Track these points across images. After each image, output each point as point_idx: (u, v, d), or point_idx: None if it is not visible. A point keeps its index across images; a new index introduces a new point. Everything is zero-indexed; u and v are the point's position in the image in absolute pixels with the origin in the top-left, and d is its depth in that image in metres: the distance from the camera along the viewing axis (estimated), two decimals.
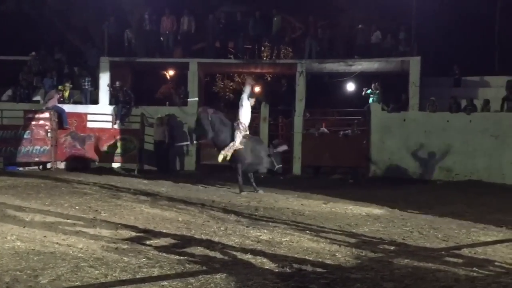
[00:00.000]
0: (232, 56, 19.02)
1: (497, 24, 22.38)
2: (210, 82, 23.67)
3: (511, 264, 5.95)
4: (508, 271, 5.67)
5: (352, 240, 7.09)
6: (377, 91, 18.05)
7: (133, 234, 7.14)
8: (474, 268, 5.63)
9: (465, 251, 6.61)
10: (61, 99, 16.70)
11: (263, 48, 20.08)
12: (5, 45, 18.62)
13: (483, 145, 16.06)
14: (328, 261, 5.92)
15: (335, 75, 20.21)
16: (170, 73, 20.21)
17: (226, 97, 25.36)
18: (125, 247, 6.35)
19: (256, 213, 9.07)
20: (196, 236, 7.10)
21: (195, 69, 17.77)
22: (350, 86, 21.33)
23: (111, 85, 17.21)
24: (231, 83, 25.73)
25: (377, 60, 18.06)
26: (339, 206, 10.24)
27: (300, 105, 17.52)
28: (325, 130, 17.96)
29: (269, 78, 23.29)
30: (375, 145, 16.96)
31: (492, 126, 16.06)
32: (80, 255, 5.91)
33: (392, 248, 6.74)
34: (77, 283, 4.96)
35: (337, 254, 6.28)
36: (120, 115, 16.81)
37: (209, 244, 6.61)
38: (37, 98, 17.24)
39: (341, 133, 17.77)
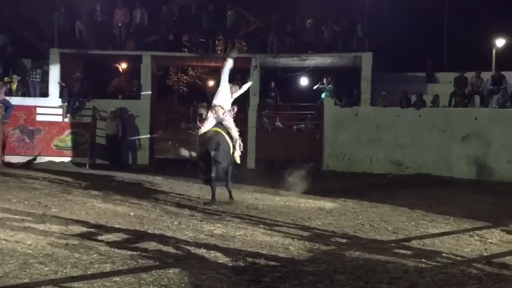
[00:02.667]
0: (186, 49, 18.87)
1: (445, 21, 23.01)
2: (163, 75, 23.45)
3: (458, 255, 6.15)
4: (454, 261, 5.85)
5: (305, 234, 7.18)
6: (330, 86, 18.26)
7: (84, 229, 7.02)
8: (423, 260, 5.79)
9: (414, 243, 6.79)
10: (7, 92, 16.19)
11: (217, 42, 20.01)
12: None
13: (432, 140, 16.47)
14: (282, 255, 5.97)
15: (289, 69, 20.34)
16: (123, 66, 19.92)
17: (180, 90, 25.19)
18: (76, 243, 6.23)
19: (210, 207, 9.06)
20: (149, 231, 7.04)
21: (148, 62, 17.56)
22: (304, 81, 21.52)
23: (64, 79, 16.76)
24: (185, 77, 25.57)
25: (330, 55, 18.27)
26: (293, 200, 10.34)
27: (254, 99, 17.57)
28: (279, 124, 18.06)
29: None
30: (328, 139, 17.18)
31: (440, 121, 16.49)
32: (29, 251, 5.77)
33: (344, 240, 6.85)
34: (26, 280, 4.84)
35: (290, 247, 6.34)
36: (72, 108, 16.45)
37: (162, 239, 6.57)
38: None
39: (295, 127, 17.91)
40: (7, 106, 15.47)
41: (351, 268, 5.43)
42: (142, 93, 17.32)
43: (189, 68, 24.59)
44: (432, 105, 17.10)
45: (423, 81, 18.80)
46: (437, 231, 7.72)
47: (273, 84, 19.03)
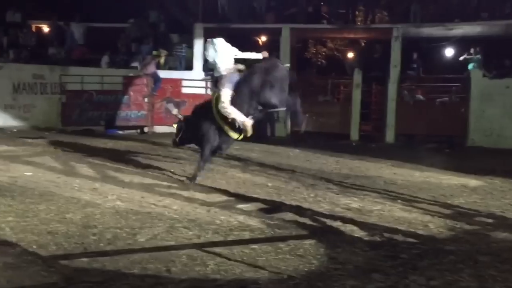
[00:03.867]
0: (325, 21, 18.67)
1: None
2: (302, 48, 23.43)
3: None
4: None
5: (446, 211, 6.87)
6: (478, 56, 17.11)
7: (225, 198, 7.31)
8: None
9: None
10: (157, 65, 17.18)
11: (357, 13, 19.55)
12: (103, 12, 19.34)
13: None
14: (420, 232, 5.78)
15: (433, 39, 19.33)
16: (263, 39, 20.20)
17: (318, 63, 25.05)
18: (217, 210, 6.52)
19: (347, 181, 8.98)
20: (286, 202, 7.15)
21: (288, 35, 17.63)
22: (449, 52, 20.35)
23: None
24: (324, 49, 25.36)
25: (479, 24, 17.06)
26: (434, 176, 9.91)
27: (395, 72, 16.98)
28: (421, 97, 17.34)
29: (363, 44, 22.73)
30: (474, 113, 16.17)
31: None
32: (175, 216, 6.14)
33: (489, 220, 6.45)
34: (172, 243, 5.17)
35: (430, 224, 6.11)
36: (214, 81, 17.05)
37: (298, 210, 6.65)
38: (135, 64, 17.82)
39: (438, 100, 17.08)
40: (156, 80, 16.43)
41: (497, 249, 5.11)
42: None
43: (328, 40, 24.33)
44: None
45: None
46: None
47: (415, 56, 18.23)
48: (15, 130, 15.60)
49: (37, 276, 4.25)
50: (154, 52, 16.63)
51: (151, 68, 16.35)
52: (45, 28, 19.86)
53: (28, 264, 4.49)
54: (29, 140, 12.74)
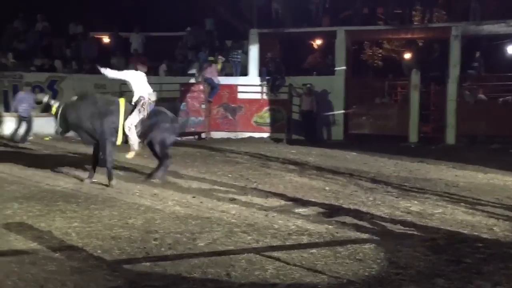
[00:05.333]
0: (381, 22, 18.42)
1: None
2: (358, 50, 23.19)
3: None
4: None
5: None
6: None
7: (282, 202, 7.32)
8: None
9: None
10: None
11: (414, 12, 19.18)
12: (161, 22, 19.79)
13: None
14: (485, 235, 5.61)
15: (495, 37, 18.71)
16: (317, 42, 20.14)
17: (375, 65, 24.73)
18: (275, 214, 6.54)
19: (407, 184, 8.82)
20: (344, 205, 7.10)
21: (343, 37, 17.49)
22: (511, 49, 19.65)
23: (261, 58, 17.51)
24: (380, 50, 25.01)
25: None
26: (498, 178, 9.59)
27: (454, 71, 16.55)
28: (483, 96, 16.81)
29: (420, 44, 22.27)
30: None
31: None
32: (233, 220, 6.20)
33: None
34: (231, 247, 5.22)
35: (495, 228, 5.92)
36: (272, 86, 17.12)
37: (357, 214, 6.58)
38: (192, 71, 18.11)
39: (501, 99, 16.51)
40: (213, 86, 16.62)
41: None
42: (336, 68, 17.36)
43: (384, 41, 23.98)
44: None
45: None
46: None
47: (477, 54, 17.69)
48: (78, 138, 16.08)
49: (102, 280, 4.38)
50: (210, 58, 16.82)
51: (209, 74, 16.54)
52: (106, 39, 20.48)
53: (93, 268, 4.64)
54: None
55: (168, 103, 16.38)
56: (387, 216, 6.49)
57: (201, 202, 7.22)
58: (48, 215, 6.44)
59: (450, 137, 16.17)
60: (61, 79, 17.28)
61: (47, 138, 14.67)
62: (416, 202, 7.35)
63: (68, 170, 9.64)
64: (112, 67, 17.97)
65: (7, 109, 16.59)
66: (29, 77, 17.00)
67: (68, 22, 19.54)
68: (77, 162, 10.56)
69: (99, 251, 5.10)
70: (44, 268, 4.61)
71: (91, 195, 7.65)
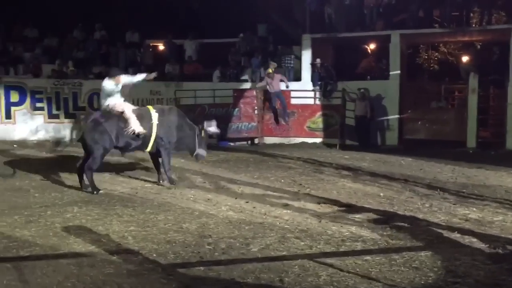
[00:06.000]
0: (437, 25, 18.04)
1: None
2: (412, 53, 22.78)
3: None
4: None
5: None
6: None
7: (336, 208, 7.27)
8: None
9: None
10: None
11: (471, 14, 18.69)
12: (214, 29, 20.04)
13: None
14: None
15: None
16: (371, 46, 19.91)
17: (431, 68, 24.25)
18: (328, 220, 6.49)
19: (464, 190, 8.59)
20: (399, 212, 6.98)
21: (397, 41, 17.22)
22: None
23: (312, 62, 17.45)
24: (436, 54, 24.51)
25: None
26: None
27: None
28: None
29: (478, 46, 21.67)
30: None
31: None
32: (286, 226, 6.20)
33: None
34: (284, 253, 5.21)
35: None
36: (324, 91, 17.03)
37: (413, 220, 6.46)
38: (245, 77, 18.24)
39: None
40: (281, 99, 16.47)
41: None
42: (390, 73, 17.11)
43: (440, 45, 23.47)
44: None
45: None
46: None
47: None
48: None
49: (157, 284, 4.46)
50: (269, 70, 16.63)
51: (276, 86, 16.41)
52: (161, 46, 20.91)
53: (149, 271, 4.73)
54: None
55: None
56: (444, 223, 6.33)
57: (254, 207, 7.25)
58: (105, 219, 6.62)
59: (510, 142, 15.64)
60: None
61: None
62: (474, 209, 7.14)
63: (126, 175, 9.87)
64: (166, 74, 18.52)
65: (68, 116, 17.19)
66: (88, 84, 17.52)
67: (125, 30, 20.05)
68: (133, 168, 10.80)
69: (154, 255, 5.19)
70: (102, 270, 4.74)
71: (147, 199, 7.81)
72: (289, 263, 4.88)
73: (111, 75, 8.99)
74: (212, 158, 12.36)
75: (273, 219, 6.57)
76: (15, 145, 14.96)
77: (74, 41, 19.32)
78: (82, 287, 4.41)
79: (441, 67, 23.84)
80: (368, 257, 5.02)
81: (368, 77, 17.80)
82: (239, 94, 17.03)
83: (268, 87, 16.36)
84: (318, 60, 17.20)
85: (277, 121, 16.70)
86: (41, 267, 4.82)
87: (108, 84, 8.89)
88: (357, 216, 6.75)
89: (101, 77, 18.28)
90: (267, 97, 16.74)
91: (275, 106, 16.59)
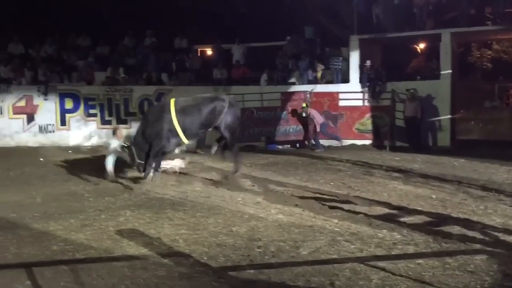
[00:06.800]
0: (489, 22, 17.56)
1: None
2: (464, 52, 22.25)
3: None
4: None
5: None
6: None
7: (386, 210, 7.17)
8: None
9: None
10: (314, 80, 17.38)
11: None
12: (261, 32, 20.10)
13: None
14: None
15: None
16: (421, 46, 19.56)
17: (483, 67, 23.63)
18: (379, 223, 6.41)
19: None
20: (452, 214, 6.83)
21: (448, 40, 16.86)
22: None
23: (362, 65, 17.28)
24: (489, 52, 23.87)
25: None
26: None
27: None
28: None
29: None
30: None
31: None
32: (336, 229, 6.15)
33: None
34: (334, 256, 5.18)
35: None
36: (373, 92, 16.84)
37: (467, 223, 6.31)
38: (292, 80, 18.22)
39: None
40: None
41: None
42: (441, 72, 16.75)
43: (494, 42, 22.84)
44: None
45: None
46: None
47: None
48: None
49: (208, 286, 4.51)
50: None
51: (319, 119, 16.27)
52: (209, 51, 21.14)
53: (200, 274, 4.78)
54: (198, 156, 13.55)
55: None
56: (500, 226, 6.15)
57: (303, 210, 7.23)
58: (157, 222, 6.74)
59: None
60: (168, 91, 17.99)
61: None
62: None
63: (176, 180, 10.02)
64: (215, 78, 18.71)
65: (120, 121, 17.58)
66: (138, 90, 17.87)
67: (173, 37, 20.37)
68: (184, 173, 10.94)
69: (205, 258, 5.25)
70: (155, 273, 4.82)
71: (197, 203, 7.90)
72: (339, 267, 4.84)
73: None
74: (260, 162, 12.41)
75: (323, 222, 6.53)
76: (70, 151, 15.40)
77: (125, 48, 19.77)
78: None
79: (495, 66, 23.21)
80: (420, 261, 4.93)
81: (418, 77, 17.48)
82: (287, 97, 17.03)
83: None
84: (368, 62, 17.02)
85: (305, 139, 16.42)
86: (96, 270, 4.95)
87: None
88: (409, 218, 6.64)
89: (151, 83, 18.82)
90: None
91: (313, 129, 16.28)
